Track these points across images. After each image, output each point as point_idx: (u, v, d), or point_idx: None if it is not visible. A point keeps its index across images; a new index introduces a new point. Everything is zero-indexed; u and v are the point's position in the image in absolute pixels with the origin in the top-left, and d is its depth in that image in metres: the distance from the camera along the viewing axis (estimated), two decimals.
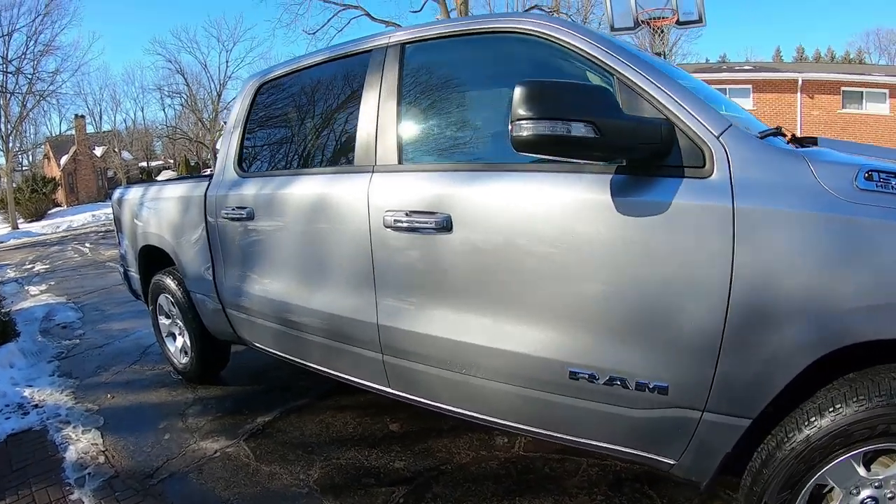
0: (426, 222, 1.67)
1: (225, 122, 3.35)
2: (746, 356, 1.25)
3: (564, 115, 1.23)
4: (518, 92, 1.26)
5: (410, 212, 1.72)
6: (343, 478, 2.09)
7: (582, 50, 1.50)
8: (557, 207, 1.46)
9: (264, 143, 2.46)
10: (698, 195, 1.28)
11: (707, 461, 1.39)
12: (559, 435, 1.62)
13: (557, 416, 1.58)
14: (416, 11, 20.37)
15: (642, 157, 1.33)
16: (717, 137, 1.29)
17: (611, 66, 1.45)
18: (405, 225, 1.72)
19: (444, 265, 1.67)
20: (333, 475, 2.11)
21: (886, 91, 18.14)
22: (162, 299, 3.05)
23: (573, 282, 1.44)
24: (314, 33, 20.13)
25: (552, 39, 1.56)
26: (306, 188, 2.07)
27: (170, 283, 2.86)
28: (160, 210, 2.88)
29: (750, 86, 19.00)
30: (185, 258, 2.71)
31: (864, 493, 1.25)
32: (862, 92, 18.42)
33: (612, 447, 1.54)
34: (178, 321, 2.95)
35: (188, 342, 2.91)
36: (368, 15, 19.39)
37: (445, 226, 1.63)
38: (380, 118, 1.88)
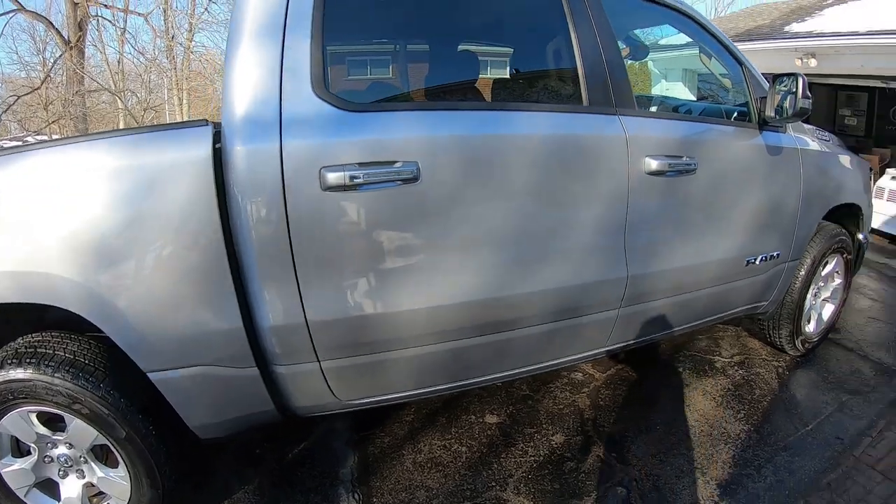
0: (678, 165, 1.94)
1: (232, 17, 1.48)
2: (803, 224, 2.36)
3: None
4: (801, 81, 2.03)
5: (667, 155, 1.90)
6: (543, 480, 2.00)
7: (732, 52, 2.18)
8: (742, 149, 2.18)
9: (378, 53, 1.68)
10: (789, 142, 2.27)
11: (779, 296, 2.45)
12: (717, 316, 2.34)
13: (725, 298, 2.33)
14: None
15: None
16: None
17: (742, 61, 2.17)
18: (663, 169, 1.88)
19: (689, 202, 2.04)
20: (531, 486, 1.97)
21: None
22: (7, 422, 1.50)
23: (752, 198, 2.22)
24: None
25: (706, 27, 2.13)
26: (530, 130, 1.68)
27: (51, 380, 1.45)
28: (38, 214, 1.35)
29: None
30: (142, 300, 1.41)
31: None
32: None
33: (742, 308, 2.41)
34: (64, 448, 1.63)
35: (120, 476, 1.64)
36: None
37: (692, 168, 1.97)
38: (606, 55, 1.84)
